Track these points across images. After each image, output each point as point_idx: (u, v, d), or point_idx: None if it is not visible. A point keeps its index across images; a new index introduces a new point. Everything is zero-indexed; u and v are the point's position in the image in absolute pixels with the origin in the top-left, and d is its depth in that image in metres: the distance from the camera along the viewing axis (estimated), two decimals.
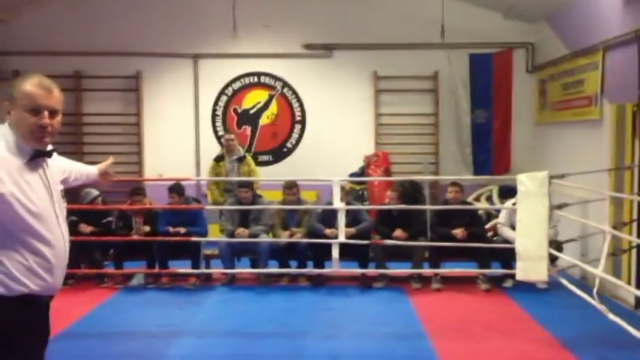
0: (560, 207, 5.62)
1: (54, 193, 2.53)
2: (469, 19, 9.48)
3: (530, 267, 5.51)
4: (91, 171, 3.28)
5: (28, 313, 2.46)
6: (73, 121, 9.65)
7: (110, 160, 3.43)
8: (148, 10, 9.69)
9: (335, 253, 6.41)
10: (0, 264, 2.38)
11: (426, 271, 7.18)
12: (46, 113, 2.44)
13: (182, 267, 7.18)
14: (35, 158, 2.46)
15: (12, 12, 9.33)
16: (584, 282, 6.72)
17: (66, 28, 9.65)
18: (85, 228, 7.23)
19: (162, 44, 9.73)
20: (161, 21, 9.70)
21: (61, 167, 2.83)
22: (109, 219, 7.44)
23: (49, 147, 2.56)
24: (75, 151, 9.44)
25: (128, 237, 7.19)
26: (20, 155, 2.43)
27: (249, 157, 8.51)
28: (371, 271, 7.20)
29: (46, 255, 2.45)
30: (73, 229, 7.23)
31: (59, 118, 2.53)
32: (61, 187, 2.67)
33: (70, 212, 7.38)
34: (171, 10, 9.70)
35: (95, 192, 7.48)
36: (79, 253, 7.22)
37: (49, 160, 2.55)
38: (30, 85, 2.45)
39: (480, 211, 7.96)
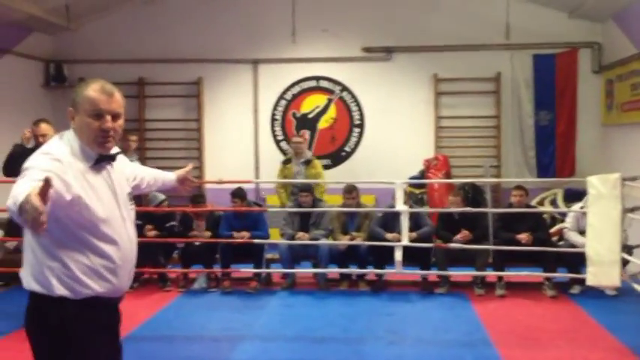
0: (632, 210, 5.41)
1: (119, 196, 2.54)
2: (533, 19, 9.27)
3: (602, 272, 5.33)
4: (167, 177, 3.25)
5: (94, 315, 2.47)
6: (136, 127, 9.87)
7: (190, 166, 3.41)
8: (209, 17, 9.83)
9: (398, 255, 6.34)
10: (65, 267, 2.38)
11: (490, 273, 7.02)
12: (108, 117, 2.45)
13: (243, 271, 7.24)
14: (99, 162, 2.48)
15: (78, 21, 9.62)
16: None
17: (130, 36, 9.90)
18: (150, 231, 7.36)
19: (223, 50, 9.86)
20: (222, 27, 9.83)
21: (130, 172, 2.86)
22: (173, 223, 7.56)
23: (114, 151, 2.58)
24: (138, 156, 9.63)
25: (192, 239, 7.30)
26: (85, 159, 2.44)
27: (315, 161, 8.46)
28: (433, 272, 7.09)
29: (111, 257, 2.46)
30: (138, 232, 7.44)
31: (121, 121, 2.53)
32: (129, 190, 2.68)
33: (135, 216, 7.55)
34: (231, 17, 9.83)
35: (162, 196, 7.62)
36: (143, 256, 7.36)
37: (114, 164, 2.56)
38: (92, 90, 2.45)
39: (544, 215, 7.75)
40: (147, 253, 7.27)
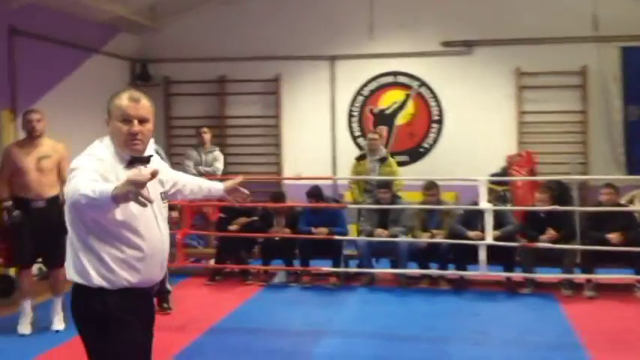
0: None
1: (151, 195, 2.62)
2: (622, 10, 8.87)
3: None
4: (215, 187, 3.37)
5: (129, 304, 2.66)
6: (217, 123, 10.06)
7: (239, 178, 3.48)
8: (287, 15, 9.90)
9: (482, 255, 6.20)
10: (100, 259, 2.60)
11: (579, 276, 6.77)
12: (135, 122, 2.66)
13: (323, 267, 7.26)
14: (132, 164, 2.68)
15: (162, 21, 9.88)
16: None
17: (211, 35, 10.07)
18: (235, 225, 7.49)
19: (301, 47, 9.90)
20: (299, 25, 9.87)
21: (170, 176, 3.08)
22: (254, 218, 7.67)
23: (147, 153, 2.79)
24: (218, 149, 9.82)
25: (272, 234, 7.38)
26: (119, 161, 2.66)
27: (391, 159, 8.41)
28: (518, 275, 6.90)
29: (142, 249, 2.65)
30: (222, 226, 7.64)
31: (149, 126, 2.73)
32: (162, 189, 2.87)
33: (219, 210, 7.72)
34: (309, 14, 9.86)
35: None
36: (226, 250, 7.53)
37: (148, 165, 2.73)
38: (121, 98, 2.69)
39: (635, 214, 7.41)
40: (229, 248, 7.47)
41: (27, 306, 5.48)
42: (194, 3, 9.90)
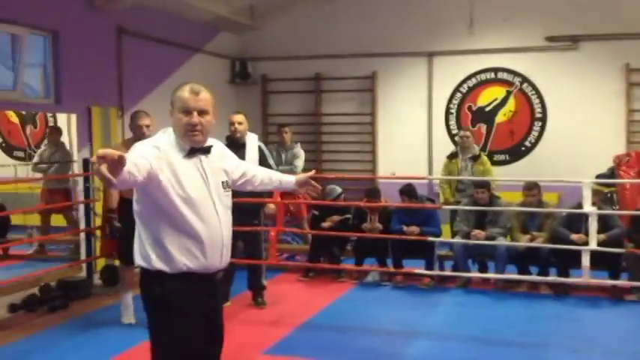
0: None
1: (211, 183, 2.85)
2: None
3: None
4: (286, 179, 3.45)
5: (188, 288, 2.79)
6: (313, 120, 10.15)
7: (311, 172, 3.57)
8: (385, 11, 9.84)
9: (585, 261, 5.92)
10: (161, 245, 2.75)
11: None
12: (195, 113, 2.77)
13: (416, 266, 7.16)
14: (192, 153, 2.81)
15: (261, 20, 10.07)
16: None
17: (308, 33, 10.17)
18: (329, 222, 7.53)
19: (398, 44, 9.82)
20: (397, 21, 9.79)
21: (235, 166, 3.14)
22: (347, 216, 7.67)
23: (208, 144, 2.89)
24: (314, 149, 9.91)
25: (364, 232, 7.36)
26: (178, 151, 2.80)
27: (484, 156, 8.20)
28: (623, 282, 6.53)
29: (199, 236, 2.77)
30: (315, 224, 7.70)
31: (209, 117, 2.83)
32: (224, 179, 2.94)
33: (313, 207, 7.79)
34: (407, 10, 9.75)
35: (339, 189, 7.81)
36: (319, 247, 7.57)
37: (209, 156, 2.88)
38: (183, 91, 2.81)
39: None
40: (323, 245, 7.51)
41: (129, 297, 5.73)
42: (291, 2, 10.02)
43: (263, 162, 5.91)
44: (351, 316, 6.08)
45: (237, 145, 5.88)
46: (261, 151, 6.14)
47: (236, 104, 9.69)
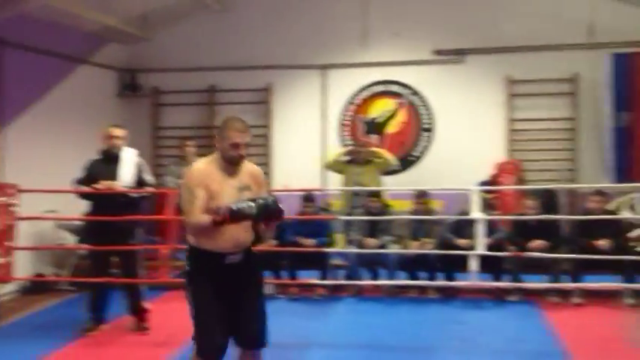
0: None
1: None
2: (615, 17, 8.84)
3: None
4: None
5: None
6: (208, 134, 10.01)
7: None
8: (279, 23, 9.88)
9: (473, 265, 6.18)
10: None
11: (567, 285, 6.71)
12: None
13: (310, 277, 7.20)
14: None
15: (152, 31, 9.86)
16: None
17: (201, 44, 10.05)
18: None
19: (293, 56, 9.89)
20: (291, 34, 9.86)
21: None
22: None
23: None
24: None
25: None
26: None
27: (374, 165, 8.42)
28: (506, 284, 6.84)
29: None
30: None
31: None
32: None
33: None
34: (300, 23, 9.84)
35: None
36: None
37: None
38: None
39: (623, 222, 7.37)
40: None
41: None
42: (184, 13, 9.88)
43: (139, 177, 5.87)
44: None
45: (111, 159, 5.75)
46: (138, 165, 5.98)
47: (125, 118, 9.42)
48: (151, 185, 6.07)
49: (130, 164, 5.88)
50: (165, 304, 6.83)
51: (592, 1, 8.49)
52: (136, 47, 10.12)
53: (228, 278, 3.71)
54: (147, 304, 6.08)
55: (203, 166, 3.66)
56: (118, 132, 5.88)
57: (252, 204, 3.45)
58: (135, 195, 5.94)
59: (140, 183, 5.93)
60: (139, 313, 6.00)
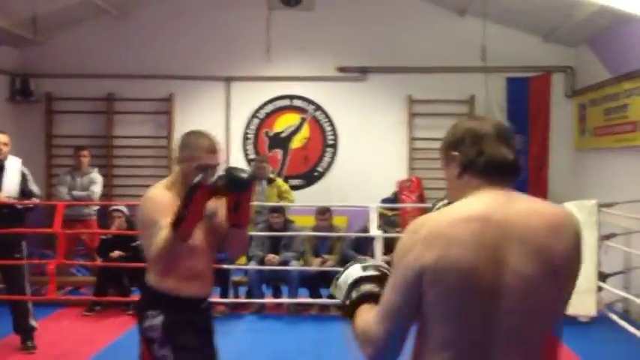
0: (608, 237, 5.34)
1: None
2: (508, 42, 9.24)
3: (578, 301, 5.22)
4: None
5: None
6: (105, 143, 9.63)
7: None
8: (182, 33, 9.64)
9: None
10: None
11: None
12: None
13: (211, 296, 6.99)
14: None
15: (46, 34, 9.34)
16: (627, 315, 6.40)
17: (99, 50, 9.66)
18: (115, 253, 7.12)
19: (195, 67, 9.68)
20: (194, 44, 9.65)
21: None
22: (139, 242, 7.29)
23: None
24: (105, 173, 9.35)
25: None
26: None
27: (279, 180, 8.36)
28: None
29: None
30: (102, 253, 7.24)
31: None
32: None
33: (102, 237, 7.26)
34: (204, 33, 9.65)
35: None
36: (108, 278, 7.11)
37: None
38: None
39: None
40: (112, 275, 7.07)
41: None
42: (80, 17, 9.43)
43: (24, 187, 5.55)
44: (136, 352, 5.74)
45: None
46: (23, 175, 5.63)
47: (16, 124, 8.90)
48: (36, 196, 5.73)
49: (14, 173, 5.52)
50: (54, 322, 6.46)
51: (485, 27, 8.85)
52: (29, 51, 9.58)
53: (204, 328, 3.26)
54: (34, 322, 5.71)
55: (161, 193, 3.06)
56: (5, 139, 5.51)
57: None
58: (19, 206, 5.57)
59: (25, 193, 5.58)
60: (25, 331, 5.62)
